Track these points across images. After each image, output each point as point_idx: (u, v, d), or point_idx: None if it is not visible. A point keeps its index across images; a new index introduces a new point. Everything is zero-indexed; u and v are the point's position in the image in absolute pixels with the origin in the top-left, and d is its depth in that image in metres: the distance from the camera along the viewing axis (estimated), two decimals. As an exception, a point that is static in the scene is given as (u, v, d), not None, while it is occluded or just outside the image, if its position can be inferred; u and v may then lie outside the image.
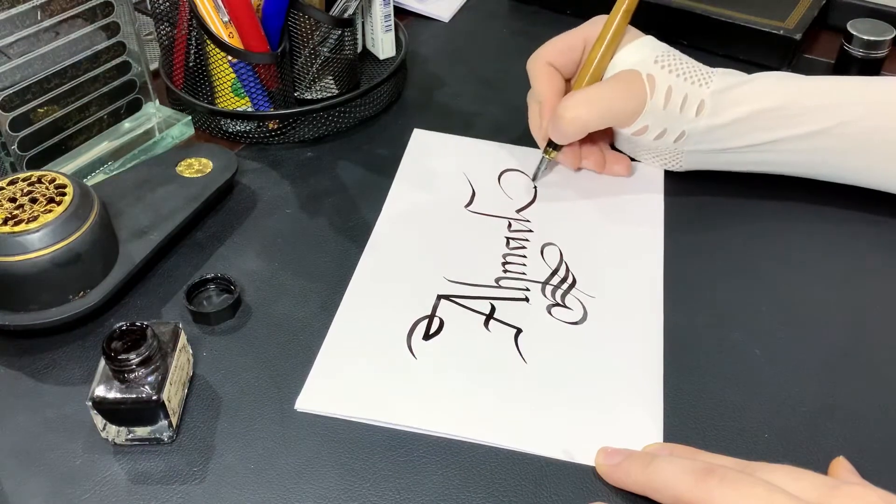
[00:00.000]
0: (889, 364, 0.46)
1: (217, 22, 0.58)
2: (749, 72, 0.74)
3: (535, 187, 0.58)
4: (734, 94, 0.53)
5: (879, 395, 0.45)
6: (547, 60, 0.56)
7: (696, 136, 0.54)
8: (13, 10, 0.51)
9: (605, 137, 0.60)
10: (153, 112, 0.63)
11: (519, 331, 0.48)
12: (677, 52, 0.54)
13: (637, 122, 0.53)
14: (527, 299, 0.50)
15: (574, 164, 0.58)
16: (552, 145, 0.57)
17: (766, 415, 0.43)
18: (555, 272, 0.52)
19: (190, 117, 0.63)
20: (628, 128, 0.54)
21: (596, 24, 0.56)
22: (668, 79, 0.52)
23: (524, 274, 0.52)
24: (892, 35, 0.69)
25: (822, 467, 0.40)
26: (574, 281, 0.51)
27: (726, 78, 0.54)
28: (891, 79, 0.53)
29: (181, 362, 0.43)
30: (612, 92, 0.53)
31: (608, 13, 0.55)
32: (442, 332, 0.48)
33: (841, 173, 0.54)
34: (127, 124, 0.62)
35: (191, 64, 0.63)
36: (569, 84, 0.58)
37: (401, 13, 0.80)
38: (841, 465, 0.40)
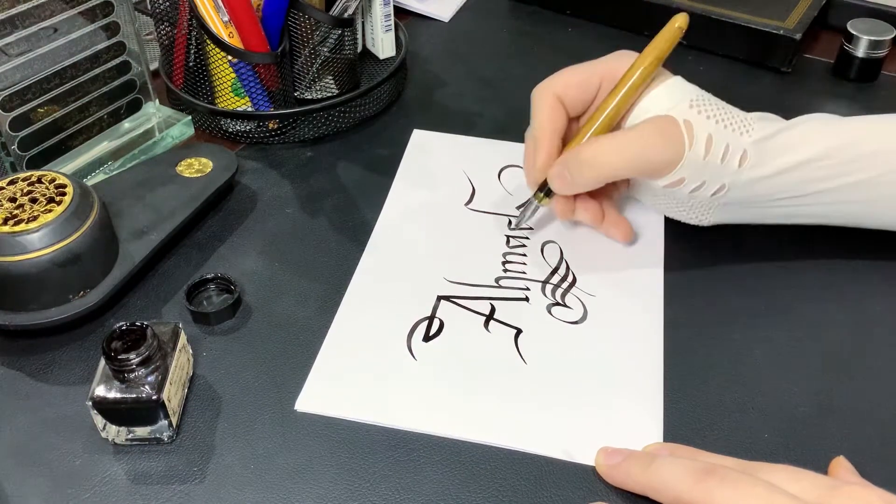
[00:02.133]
0: (889, 364, 0.46)
1: (217, 22, 0.58)
2: (749, 72, 0.74)
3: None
4: (777, 142, 0.48)
5: (879, 395, 0.45)
6: (555, 92, 0.50)
7: (737, 189, 0.48)
8: (13, 10, 0.51)
9: (605, 191, 0.53)
10: (153, 112, 0.63)
11: (519, 331, 0.48)
12: (710, 96, 0.49)
13: (673, 174, 0.47)
14: (527, 299, 0.50)
15: (566, 215, 0.52)
16: (543, 190, 0.51)
17: (766, 415, 0.43)
18: (555, 271, 0.52)
19: (190, 117, 0.63)
20: (662, 179, 0.48)
21: (619, 60, 0.49)
22: (707, 126, 0.47)
23: (524, 273, 0.52)
24: (892, 35, 0.69)
25: (822, 467, 0.40)
26: (574, 280, 0.51)
27: (767, 124, 0.48)
28: None
29: (181, 362, 0.43)
30: (647, 139, 0.47)
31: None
32: (442, 334, 0.48)
33: (886, 220, 0.50)
34: (127, 124, 0.62)
35: (191, 64, 0.63)
36: (572, 124, 0.52)
37: (401, 13, 0.79)
38: (841, 465, 0.40)
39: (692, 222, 0.52)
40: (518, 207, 0.56)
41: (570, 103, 0.50)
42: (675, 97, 0.48)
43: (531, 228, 0.55)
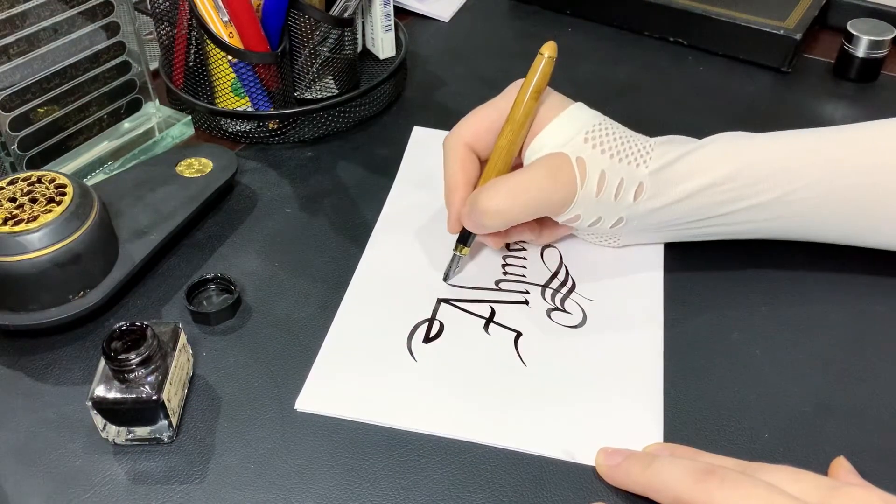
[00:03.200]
0: (889, 364, 0.46)
1: (217, 22, 0.58)
2: (749, 72, 0.74)
3: None
4: (675, 170, 0.47)
5: (879, 395, 0.45)
6: (466, 141, 0.49)
7: (636, 220, 0.48)
8: (13, 10, 0.51)
9: None
10: (153, 112, 0.63)
11: (519, 334, 0.48)
12: (610, 122, 0.48)
13: (568, 212, 0.47)
14: (526, 302, 0.50)
15: (499, 244, 0.52)
16: (463, 240, 0.50)
17: (766, 415, 0.43)
18: (554, 275, 0.52)
19: (190, 117, 0.63)
20: (559, 217, 0.48)
21: (514, 92, 0.49)
22: (601, 162, 0.46)
23: (524, 277, 0.51)
24: (892, 35, 0.69)
25: (822, 467, 0.40)
26: (574, 285, 0.51)
27: (667, 151, 0.48)
28: (840, 130, 0.49)
29: (181, 362, 0.43)
30: (537, 180, 0.46)
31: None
32: (442, 336, 0.48)
33: (800, 234, 0.50)
34: (127, 124, 0.62)
35: (191, 64, 0.63)
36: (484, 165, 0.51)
37: (401, 13, 0.80)
38: (841, 465, 0.40)
39: (604, 245, 0.53)
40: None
41: (482, 148, 0.50)
42: (572, 129, 0.47)
43: None
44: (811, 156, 0.47)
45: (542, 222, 0.52)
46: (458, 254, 0.51)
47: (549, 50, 0.47)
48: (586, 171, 0.46)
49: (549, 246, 0.54)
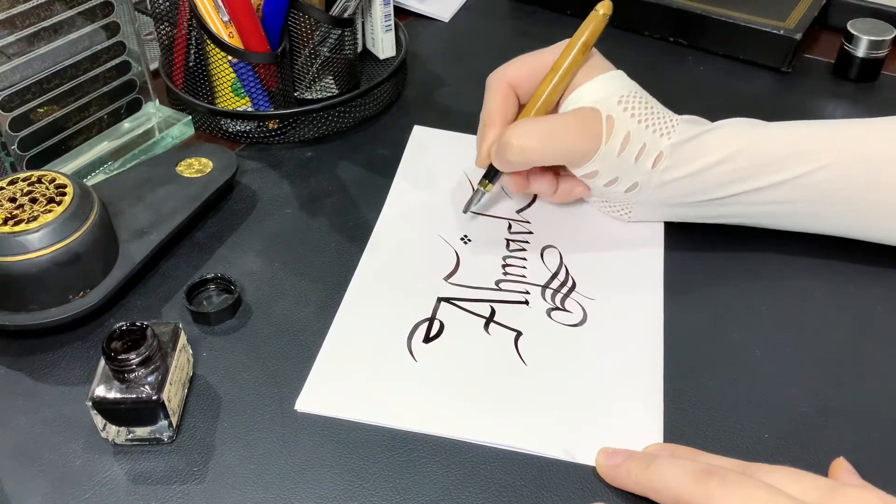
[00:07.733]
0: (889, 364, 0.46)
1: (217, 22, 0.58)
2: (749, 72, 0.74)
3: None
4: (694, 144, 0.49)
5: (879, 395, 0.45)
6: (509, 81, 0.52)
7: (650, 189, 0.50)
8: (13, 10, 0.51)
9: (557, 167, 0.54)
10: (153, 112, 0.63)
11: (519, 334, 0.48)
12: (645, 94, 0.50)
13: (588, 165, 0.49)
14: (527, 302, 0.50)
15: (519, 189, 0.53)
16: (489, 176, 0.53)
17: (766, 415, 0.43)
18: (555, 275, 0.52)
19: (190, 117, 0.63)
20: (578, 169, 0.50)
21: (561, 48, 0.51)
22: (629, 124, 0.48)
23: (524, 277, 0.51)
24: (892, 35, 0.69)
25: (822, 468, 0.40)
26: (574, 284, 0.51)
27: (689, 128, 0.49)
28: (855, 122, 0.50)
29: (181, 362, 0.43)
30: (567, 128, 0.48)
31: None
32: (442, 336, 0.48)
33: (810, 223, 0.51)
34: (127, 124, 0.62)
35: (191, 64, 0.63)
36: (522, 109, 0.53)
37: (401, 13, 0.80)
38: (841, 465, 0.40)
39: (615, 217, 0.55)
40: (518, 212, 0.56)
41: (523, 91, 0.52)
42: (608, 91, 0.49)
43: (531, 232, 0.55)
44: (824, 142, 0.49)
45: (560, 178, 0.54)
46: (482, 189, 0.53)
47: (604, 8, 0.49)
48: (613, 129, 0.48)
49: (549, 246, 0.54)
